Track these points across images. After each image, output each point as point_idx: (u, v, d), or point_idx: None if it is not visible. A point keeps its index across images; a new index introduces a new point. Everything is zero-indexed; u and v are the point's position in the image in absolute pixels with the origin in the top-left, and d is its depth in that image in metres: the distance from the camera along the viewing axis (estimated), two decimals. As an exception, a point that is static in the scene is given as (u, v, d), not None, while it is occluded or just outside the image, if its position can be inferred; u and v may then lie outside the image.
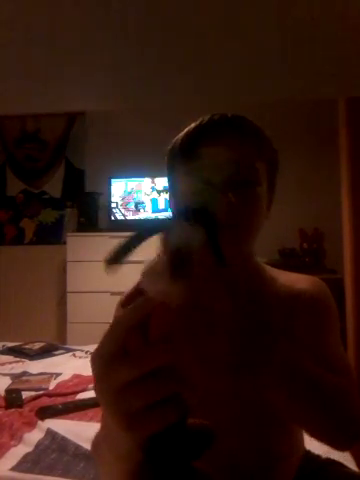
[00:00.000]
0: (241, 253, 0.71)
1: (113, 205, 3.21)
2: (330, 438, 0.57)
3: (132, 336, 0.35)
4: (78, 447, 1.22)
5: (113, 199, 3.21)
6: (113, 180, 3.22)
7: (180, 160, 0.70)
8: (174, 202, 0.75)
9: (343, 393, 0.56)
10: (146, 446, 0.36)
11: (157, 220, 0.39)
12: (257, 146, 0.69)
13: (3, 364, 2.11)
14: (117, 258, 0.36)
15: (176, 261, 0.35)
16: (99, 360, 0.35)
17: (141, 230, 0.37)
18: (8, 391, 1.67)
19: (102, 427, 0.58)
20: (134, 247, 0.36)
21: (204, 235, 0.37)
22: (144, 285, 0.35)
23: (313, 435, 0.54)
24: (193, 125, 0.71)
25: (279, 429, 0.72)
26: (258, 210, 0.69)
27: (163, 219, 0.39)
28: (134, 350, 0.34)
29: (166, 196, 3.14)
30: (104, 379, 0.34)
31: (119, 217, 3.20)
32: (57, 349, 2.37)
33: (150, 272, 0.36)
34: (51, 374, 1.88)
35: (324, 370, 0.60)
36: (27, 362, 2.15)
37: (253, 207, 0.68)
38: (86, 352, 2.28)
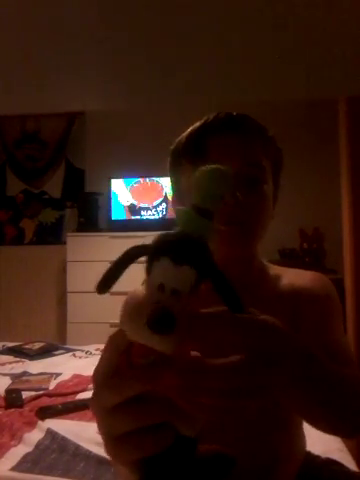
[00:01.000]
0: (248, 252, 0.71)
1: (113, 205, 3.21)
2: (335, 428, 0.56)
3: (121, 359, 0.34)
4: (78, 447, 1.22)
5: (113, 199, 3.21)
6: (113, 180, 3.22)
7: (185, 159, 0.69)
8: (178, 203, 0.74)
9: (349, 384, 0.56)
10: (142, 473, 0.34)
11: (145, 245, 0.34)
12: (262, 144, 0.69)
13: (3, 364, 2.11)
14: (106, 284, 0.34)
15: (158, 313, 0.30)
16: (94, 379, 0.35)
17: (130, 250, 0.34)
18: (8, 391, 1.67)
19: None
20: (122, 269, 0.33)
21: (194, 276, 0.31)
22: (124, 323, 0.32)
23: (316, 426, 0.54)
24: (198, 124, 0.71)
25: (281, 430, 0.72)
26: (265, 208, 0.68)
27: (158, 241, 0.33)
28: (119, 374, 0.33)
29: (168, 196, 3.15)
30: (94, 399, 0.34)
31: (119, 217, 3.20)
32: (57, 349, 2.37)
33: (131, 310, 0.32)
34: (51, 374, 1.88)
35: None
36: (27, 362, 2.15)
37: (261, 205, 0.67)
38: (86, 352, 2.28)
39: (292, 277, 0.74)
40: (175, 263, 0.30)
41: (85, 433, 1.29)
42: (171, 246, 0.31)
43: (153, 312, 0.30)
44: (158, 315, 0.30)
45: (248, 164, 0.66)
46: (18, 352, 2.31)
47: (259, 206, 0.67)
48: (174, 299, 0.30)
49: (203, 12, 2.13)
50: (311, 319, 0.68)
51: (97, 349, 2.29)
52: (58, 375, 1.87)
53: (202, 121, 0.70)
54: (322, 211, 3.13)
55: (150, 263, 0.31)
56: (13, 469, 1.13)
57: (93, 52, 2.51)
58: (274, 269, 0.77)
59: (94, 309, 2.87)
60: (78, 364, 2.06)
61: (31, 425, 1.37)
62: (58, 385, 1.75)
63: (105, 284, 0.34)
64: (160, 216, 3.14)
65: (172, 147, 0.74)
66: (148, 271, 0.32)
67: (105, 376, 0.34)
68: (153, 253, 0.31)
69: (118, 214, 3.20)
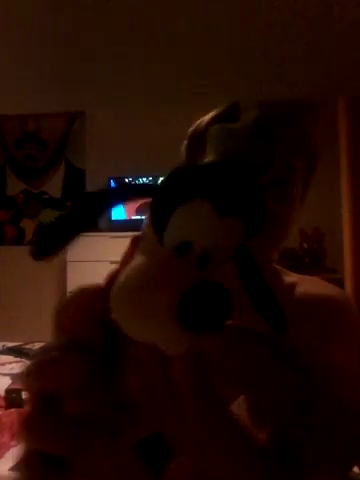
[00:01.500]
0: (264, 261, 0.60)
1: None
2: None
3: None
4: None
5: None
6: (113, 180, 3.22)
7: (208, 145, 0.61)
8: None
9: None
10: None
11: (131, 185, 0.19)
12: (298, 139, 0.60)
13: (3, 364, 2.11)
14: (46, 245, 0.21)
15: (203, 296, 0.18)
16: None
17: (121, 187, 0.21)
18: (8, 391, 1.67)
19: None
20: (77, 225, 0.20)
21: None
22: (122, 317, 0.19)
23: None
24: (225, 107, 0.61)
25: None
26: (292, 215, 0.59)
27: (184, 174, 0.18)
28: None
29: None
30: None
31: (119, 217, 3.20)
32: (57, 349, 2.37)
33: (135, 291, 0.19)
34: (51, 374, 1.88)
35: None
36: (27, 362, 2.15)
37: (287, 212, 0.58)
38: (86, 352, 2.28)
39: (309, 288, 0.64)
40: (219, 211, 0.18)
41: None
42: (214, 182, 0.19)
43: (193, 294, 0.18)
44: (204, 300, 0.18)
45: (283, 166, 0.57)
46: (18, 352, 2.31)
47: (285, 213, 0.58)
48: (206, 269, 0.19)
49: (204, 13, 2.13)
50: (315, 337, 0.58)
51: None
52: (58, 375, 1.87)
53: (230, 104, 0.60)
54: (322, 211, 3.13)
55: (166, 210, 0.19)
56: (13, 469, 1.13)
57: (93, 52, 2.51)
58: (291, 276, 0.67)
59: (94, 309, 2.87)
60: (78, 364, 2.06)
61: (31, 425, 1.36)
62: (58, 385, 1.75)
63: (46, 243, 0.21)
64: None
65: (191, 129, 0.63)
66: (158, 225, 0.19)
67: None
68: (178, 192, 0.19)
69: (118, 214, 3.20)
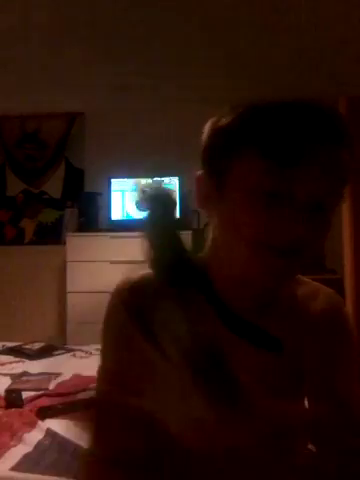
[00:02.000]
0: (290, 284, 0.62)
1: (113, 205, 3.21)
2: None
3: None
4: (78, 447, 1.22)
5: (113, 199, 3.21)
6: (113, 180, 3.22)
7: (261, 153, 0.52)
8: (217, 192, 0.58)
9: None
10: None
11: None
12: (349, 162, 0.55)
13: (3, 364, 2.11)
14: None
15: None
16: None
17: None
18: (8, 391, 1.67)
19: None
20: None
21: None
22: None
23: None
24: (289, 112, 0.56)
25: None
26: (326, 237, 0.57)
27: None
28: None
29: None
30: None
31: (119, 217, 3.20)
32: (57, 349, 2.37)
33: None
34: (51, 374, 1.88)
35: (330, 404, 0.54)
36: (27, 362, 2.15)
37: (324, 235, 0.56)
38: (86, 352, 2.28)
39: (306, 293, 0.65)
40: None
41: (85, 433, 1.29)
42: None
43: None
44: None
45: (331, 192, 0.54)
46: (18, 352, 2.31)
47: (323, 236, 0.55)
48: None
49: (202, 13, 2.13)
50: (317, 351, 0.60)
51: (97, 349, 2.28)
52: (58, 375, 1.87)
53: (295, 111, 0.56)
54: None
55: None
56: (13, 469, 1.13)
57: (93, 52, 2.51)
58: (295, 280, 0.66)
59: (94, 309, 2.87)
60: (78, 364, 2.06)
61: (31, 425, 1.36)
62: (58, 385, 1.75)
63: None
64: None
65: (234, 126, 0.58)
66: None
67: None
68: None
69: (118, 214, 3.20)
